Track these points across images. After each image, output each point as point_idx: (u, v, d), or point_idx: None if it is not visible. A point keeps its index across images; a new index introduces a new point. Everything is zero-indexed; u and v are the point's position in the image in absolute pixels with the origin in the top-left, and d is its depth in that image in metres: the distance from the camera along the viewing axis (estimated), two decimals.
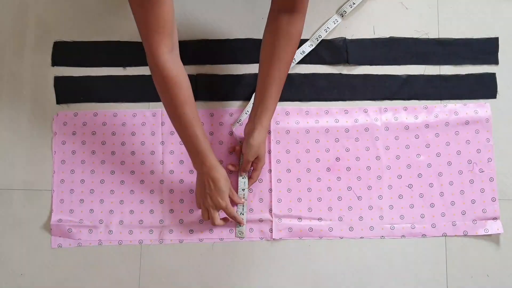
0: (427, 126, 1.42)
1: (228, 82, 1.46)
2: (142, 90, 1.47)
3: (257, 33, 1.47)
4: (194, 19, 1.49)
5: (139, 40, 1.45)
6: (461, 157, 1.41)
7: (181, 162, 1.43)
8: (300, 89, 1.45)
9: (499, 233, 1.37)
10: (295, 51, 1.24)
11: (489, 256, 1.38)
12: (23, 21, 1.49)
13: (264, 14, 1.43)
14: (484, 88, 1.45)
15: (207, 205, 1.30)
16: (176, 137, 1.41)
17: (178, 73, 1.17)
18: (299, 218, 1.40)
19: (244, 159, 1.34)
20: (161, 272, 1.39)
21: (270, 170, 1.42)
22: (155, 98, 1.43)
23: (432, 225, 1.39)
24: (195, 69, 1.47)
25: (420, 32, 1.47)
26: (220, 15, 1.49)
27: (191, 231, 1.40)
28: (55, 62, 1.47)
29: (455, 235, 1.38)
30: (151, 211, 1.41)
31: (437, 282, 1.37)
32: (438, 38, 1.47)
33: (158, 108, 1.45)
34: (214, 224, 1.31)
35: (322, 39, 1.46)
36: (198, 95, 1.41)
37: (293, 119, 1.44)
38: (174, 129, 1.35)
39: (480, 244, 1.38)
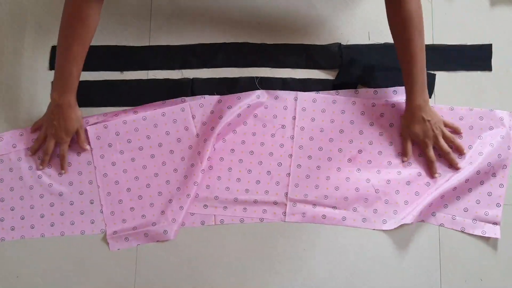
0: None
1: (223, 85, 1.49)
2: (139, 94, 1.51)
3: (254, 37, 1.51)
4: (190, 23, 1.51)
5: (136, 44, 1.51)
6: (483, 158, 1.44)
7: (213, 149, 1.46)
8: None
9: (496, 238, 1.40)
10: (418, 29, 1.27)
11: (483, 260, 1.39)
12: (21, 25, 1.48)
13: (260, 18, 1.51)
14: None
15: (49, 132, 1.38)
16: (207, 126, 1.47)
17: (95, 18, 1.26)
18: (314, 204, 1.42)
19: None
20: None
21: (290, 155, 1.48)
22: (152, 101, 1.51)
23: (432, 213, 1.42)
24: (191, 73, 1.51)
25: None
26: (217, 19, 1.51)
27: (205, 206, 1.44)
28: (53, 66, 1.46)
29: (452, 229, 1.43)
30: (205, 206, 1.44)
31: (431, 287, 1.39)
32: (432, 44, 1.49)
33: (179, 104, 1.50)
34: (44, 150, 1.41)
35: (318, 45, 1.50)
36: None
37: (319, 106, 1.48)
38: (206, 120, 1.47)
39: (474, 248, 1.40)
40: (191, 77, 1.50)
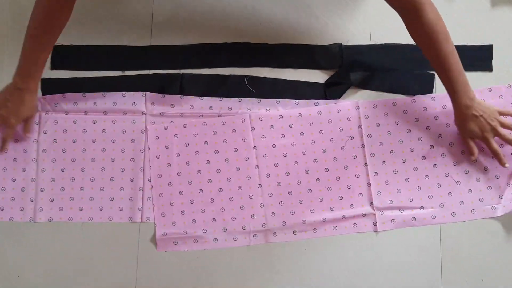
0: None
1: (213, 81, 1.48)
2: (130, 89, 1.49)
3: (255, 38, 1.52)
4: (192, 23, 1.53)
5: (138, 44, 1.50)
6: None
7: (276, 164, 1.43)
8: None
9: (498, 238, 1.40)
10: (443, 33, 1.27)
11: (484, 260, 1.38)
12: (22, 25, 1.45)
13: (261, 19, 1.53)
14: None
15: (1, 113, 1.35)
16: (268, 141, 1.44)
17: (70, 12, 1.28)
18: (401, 208, 1.40)
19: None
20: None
21: (366, 164, 1.43)
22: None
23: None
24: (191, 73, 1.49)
25: None
26: (218, 20, 1.53)
27: (295, 232, 1.40)
28: (55, 65, 1.47)
29: None
30: (253, 216, 1.40)
31: (432, 286, 1.38)
32: None
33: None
34: None
35: (319, 45, 1.49)
36: (183, 94, 1.47)
37: (381, 111, 1.46)
38: (265, 134, 1.42)
39: (475, 248, 1.38)
40: (180, 72, 1.49)
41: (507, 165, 1.36)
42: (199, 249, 1.39)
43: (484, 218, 1.41)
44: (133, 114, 1.47)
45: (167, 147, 1.45)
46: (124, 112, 1.47)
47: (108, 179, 1.44)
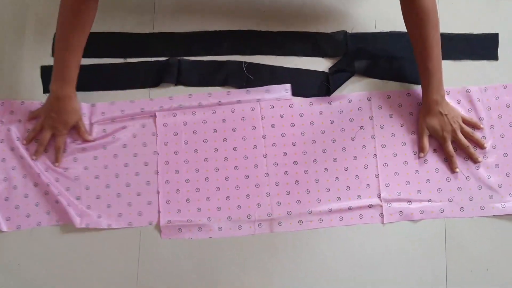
0: None
1: (210, 68, 1.47)
2: (128, 76, 1.48)
3: (259, 25, 1.49)
4: (195, 10, 1.50)
5: (141, 31, 1.48)
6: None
7: (285, 153, 1.42)
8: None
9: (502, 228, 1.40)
10: (434, 22, 1.27)
11: (489, 250, 1.37)
12: (23, 12, 1.47)
13: (265, 6, 1.50)
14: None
15: (46, 123, 1.35)
16: (277, 130, 1.43)
17: (94, 8, 1.26)
18: (409, 201, 1.39)
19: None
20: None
21: (375, 155, 1.41)
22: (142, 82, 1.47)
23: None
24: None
25: None
26: (222, 7, 1.50)
27: (300, 222, 1.39)
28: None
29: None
30: (258, 205, 1.39)
31: (436, 277, 1.37)
32: None
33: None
34: (39, 141, 1.36)
35: (323, 33, 1.47)
36: (180, 80, 1.46)
37: (395, 102, 1.44)
38: (275, 123, 1.41)
39: (480, 239, 1.38)
40: (178, 58, 1.48)
41: (457, 169, 1.39)
42: (203, 238, 1.39)
43: (493, 215, 1.40)
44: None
45: (175, 134, 1.44)
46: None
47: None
